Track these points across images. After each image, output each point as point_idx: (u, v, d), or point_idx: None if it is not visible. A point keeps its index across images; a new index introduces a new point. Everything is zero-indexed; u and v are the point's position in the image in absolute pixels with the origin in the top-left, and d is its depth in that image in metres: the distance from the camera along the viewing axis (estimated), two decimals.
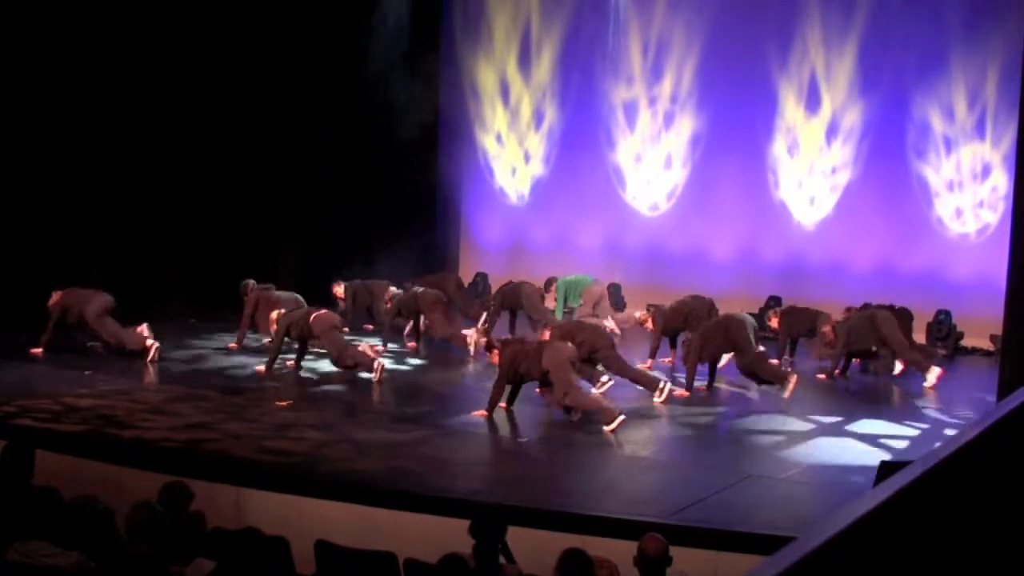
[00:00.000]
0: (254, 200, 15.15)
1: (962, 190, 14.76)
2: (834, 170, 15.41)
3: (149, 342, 11.80)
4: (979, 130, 14.55)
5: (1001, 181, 14.28)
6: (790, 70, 15.42)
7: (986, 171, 14.62)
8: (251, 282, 13.06)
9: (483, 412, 9.97)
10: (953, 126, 14.66)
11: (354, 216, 15.46)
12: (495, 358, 10.17)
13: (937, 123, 14.73)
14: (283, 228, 14.76)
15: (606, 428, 9.56)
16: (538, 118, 17.12)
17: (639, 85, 16.40)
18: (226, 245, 14.84)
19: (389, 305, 13.37)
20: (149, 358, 11.72)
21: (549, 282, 14.34)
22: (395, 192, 15.77)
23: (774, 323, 12.90)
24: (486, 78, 17.27)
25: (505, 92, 17.22)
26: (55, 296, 11.91)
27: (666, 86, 16.24)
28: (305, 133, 15.58)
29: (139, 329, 11.86)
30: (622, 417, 9.60)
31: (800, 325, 12.84)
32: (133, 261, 14.29)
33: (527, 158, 17.24)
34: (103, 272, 13.40)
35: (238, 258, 14.94)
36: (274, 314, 11.80)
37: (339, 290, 14.17)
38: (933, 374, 11.80)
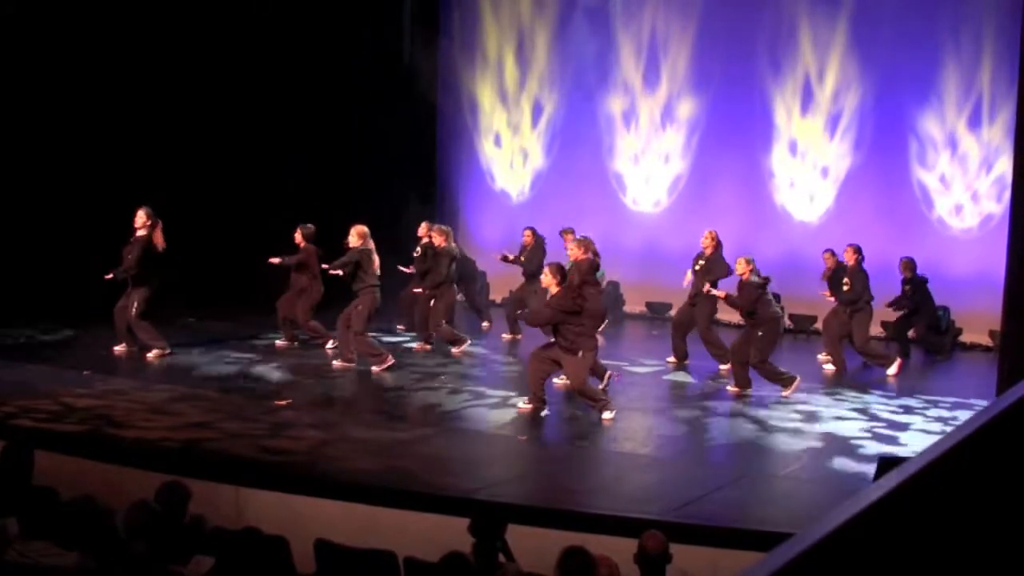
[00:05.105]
0: (252, 199, 15.14)
1: (961, 185, 14.76)
2: (830, 167, 15.42)
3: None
4: (977, 125, 14.56)
5: (1000, 176, 14.28)
6: (787, 67, 15.43)
7: (984, 166, 14.62)
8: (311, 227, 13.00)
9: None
10: (952, 121, 14.66)
11: (353, 216, 15.43)
12: (555, 283, 9.85)
13: (935, 118, 14.73)
14: (281, 228, 14.71)
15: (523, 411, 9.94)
16: (536, 116, 17.11)
17: (636, 82, 16.39)
18: (225, 245, 14.82)
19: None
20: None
21: (566, 231, 13.79)
22: (394, 192, 15.75)
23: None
24: (484, 76, 17.27)
25: (503, 90, 17.22)
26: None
27: (663, 83, 16.24)
28: (304, 133, 15.56)
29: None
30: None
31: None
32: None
33: (524, 156, 17.24)
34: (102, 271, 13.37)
35: (236, 258, 14.93)
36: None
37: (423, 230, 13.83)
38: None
